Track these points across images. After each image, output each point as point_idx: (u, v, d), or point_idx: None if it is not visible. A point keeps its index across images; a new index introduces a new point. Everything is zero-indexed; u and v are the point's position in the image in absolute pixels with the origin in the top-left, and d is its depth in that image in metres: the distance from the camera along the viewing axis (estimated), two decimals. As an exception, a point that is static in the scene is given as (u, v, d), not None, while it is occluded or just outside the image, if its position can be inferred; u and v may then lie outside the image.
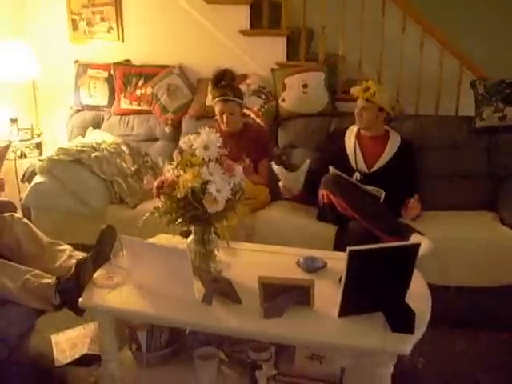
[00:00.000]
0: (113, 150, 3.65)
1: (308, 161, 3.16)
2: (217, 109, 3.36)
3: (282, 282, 1.97)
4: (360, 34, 3.78)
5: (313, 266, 2.28)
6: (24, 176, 3.75)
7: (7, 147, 3.33)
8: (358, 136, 3.37)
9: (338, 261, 2.16)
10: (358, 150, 3.31)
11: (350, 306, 1.89)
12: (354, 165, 3.27)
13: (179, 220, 2.03)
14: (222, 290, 2.03)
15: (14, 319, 2.32)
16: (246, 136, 3.44)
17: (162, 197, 2.08)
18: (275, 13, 4.01)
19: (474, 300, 2.90)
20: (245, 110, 3.76)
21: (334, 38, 3.84)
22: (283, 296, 1.94)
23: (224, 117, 3.34)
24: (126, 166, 3.62)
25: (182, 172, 2.04)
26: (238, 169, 2.07)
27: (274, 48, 3.95)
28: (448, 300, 2.79)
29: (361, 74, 3.83)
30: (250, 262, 2.39)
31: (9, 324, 2.30)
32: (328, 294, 2.02)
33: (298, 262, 2.31)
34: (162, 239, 2.48)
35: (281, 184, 3.19)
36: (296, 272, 2.25)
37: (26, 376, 2.54)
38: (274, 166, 3.14)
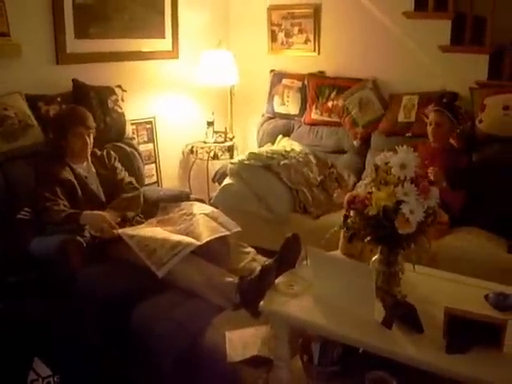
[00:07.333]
0: (301, 159, 3.72)
1: None
2: (429, 120, 3.42)
3: (471, 317, 1.86)
4: None
5: (504, 304, 2.11)
6: (215, 176, 3.96)
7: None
8: None
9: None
10: None
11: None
12: None
13: (368, 238, 2.00)
14: (403, 314, 1.97)
15: (198, 311, 2.47)
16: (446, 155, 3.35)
17: (351, 212, 2.06)
18: (479, 29, 3.80)
19: None
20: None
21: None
22: (470, 332, 1.82)
23: (430, 128, 3.38)
24: (312, 175, 3.67)
25: (374, 189, 2.00)
26: (434, 191, 1.98)
27: (474, 66, 3.74)
28: None
29: None
30: (433, 290, 2.28)
31: (193, 315, 2.44)
32: (522, 337, 1.85)
33: (486, 297, 2.16)
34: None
35: None
36: (484, 307, 2.09)
37: (202, 366, 2.65)
38: None
